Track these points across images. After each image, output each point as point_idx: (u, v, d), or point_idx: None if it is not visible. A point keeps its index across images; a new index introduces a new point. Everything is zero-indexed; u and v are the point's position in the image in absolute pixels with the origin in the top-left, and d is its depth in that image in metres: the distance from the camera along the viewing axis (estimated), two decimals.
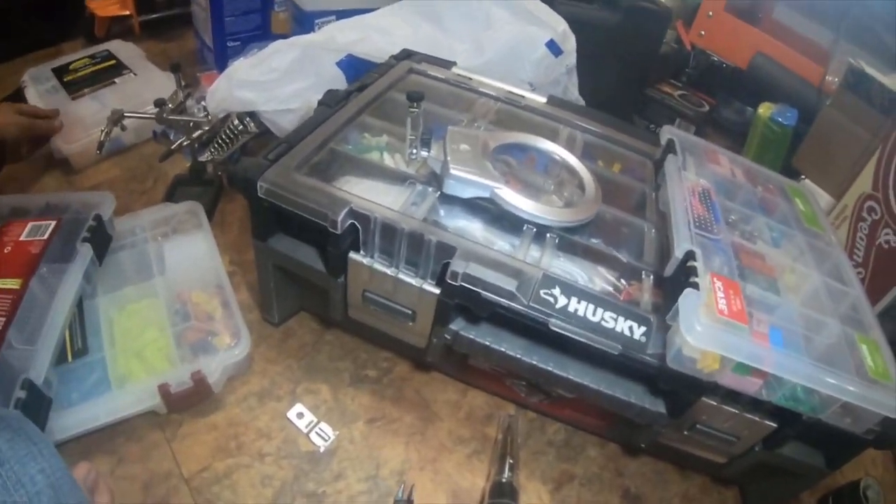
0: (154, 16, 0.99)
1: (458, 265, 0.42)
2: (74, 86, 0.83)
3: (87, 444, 0.49)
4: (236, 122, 0.66)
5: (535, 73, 0.71)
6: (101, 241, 0.57)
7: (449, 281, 0.43)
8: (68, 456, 0.41)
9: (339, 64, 0.72)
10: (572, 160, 0.53)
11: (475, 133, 0.51)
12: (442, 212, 0.48)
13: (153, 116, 0.65)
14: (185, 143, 0.65)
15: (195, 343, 0.53)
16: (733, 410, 0.45)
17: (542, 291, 0.42)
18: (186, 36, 0.99)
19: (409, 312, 0.47)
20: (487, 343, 0.46)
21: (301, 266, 0.50)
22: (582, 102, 0.78)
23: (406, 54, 0.67)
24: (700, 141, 0.62)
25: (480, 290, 0.42)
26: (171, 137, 0.70)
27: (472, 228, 0.48)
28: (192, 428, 0.51)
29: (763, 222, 0.55)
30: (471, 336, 0.46)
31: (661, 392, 0.47)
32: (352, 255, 0.46)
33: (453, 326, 0.46)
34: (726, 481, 0.57)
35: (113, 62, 0.89)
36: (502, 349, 0.45)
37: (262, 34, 0.89)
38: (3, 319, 0.47)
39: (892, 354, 0.47)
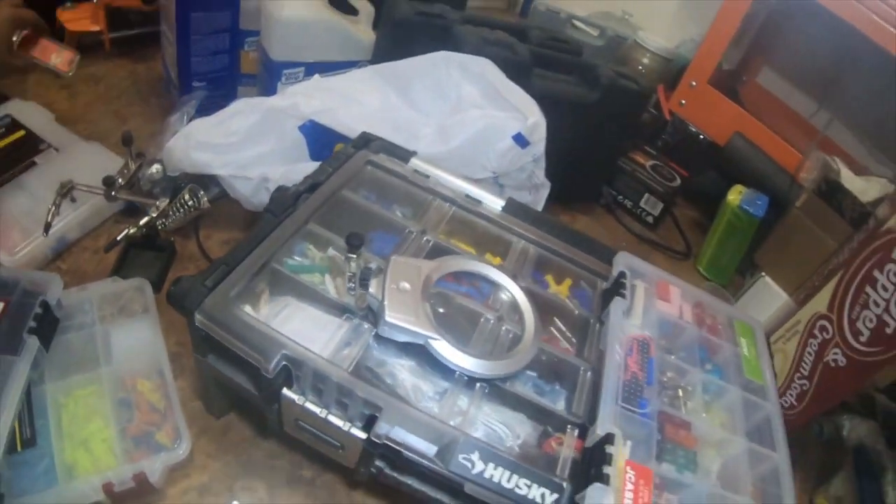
0: (127, 33, 0.95)
1: (382, 427, 0.43)
2: None
3: None
4: (187, 196, 0.65)
5: (500, 163, 0.71)
6: (49, 327, 0.56)
7: (373, 438, 0.44)
8: None
9: (301, 129, 0.71)
10: (518, 294, 0.54)
11: (417, 265, 0.52)
12: (375, 351, 0.49)
13: (103, 194, 0.64)
14: (131, 231, 0.64)
15: (138, 436, 0.54)
16: None
17: (461, 456, 0.43)
18: (158, 56, 0.96)
19: (338, 444, 0.48)
20: (410, 482, 0.47)
21: (239, 387, 0.50)
22: (546, 184, 0.78)
23: (364, 141, 0.66)
24: (654, 272, 0.63)
25: (403, 451, 0.44)
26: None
27: (404, 372, 0.49)
28: None
29: (699, 378, 0.55)
30: (395, 475, 0.47)
31: None
32: (285, 391, 0.47)
33: (379, 463, 0.48)
34: None
35: (22, 133, 0.78)
36: (424, 490, 0.47)
37: (230, 74, 0.87)
38: None
39: None
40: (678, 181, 1.04)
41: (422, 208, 0.62)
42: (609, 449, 0.43)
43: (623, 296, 0.56)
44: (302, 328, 0.49)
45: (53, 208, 0.64)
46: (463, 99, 0.72)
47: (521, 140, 0.70)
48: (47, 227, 0.64)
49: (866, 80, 1.10)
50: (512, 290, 0.54)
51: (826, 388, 0.78)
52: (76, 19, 0.90)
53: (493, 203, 0.64)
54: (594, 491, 0.41)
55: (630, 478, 0.42)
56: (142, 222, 0.65)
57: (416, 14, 0.80)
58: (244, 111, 0.70)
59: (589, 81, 0.84)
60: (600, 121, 0.86)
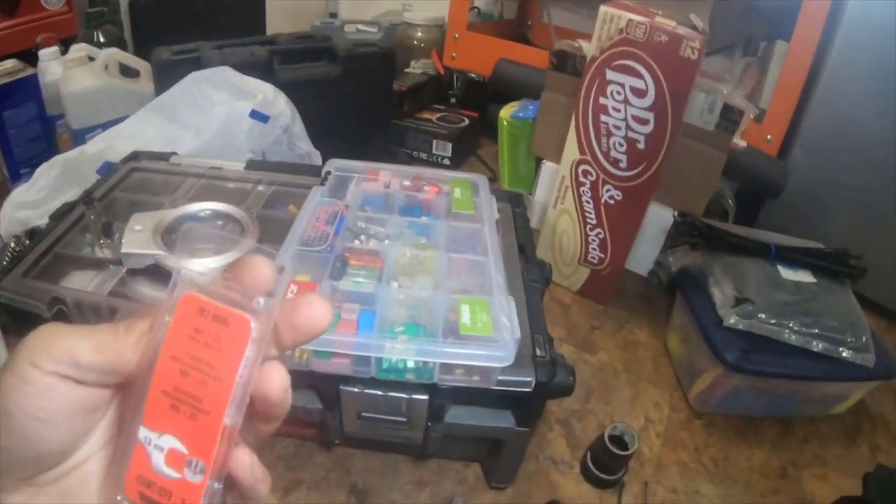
0: None
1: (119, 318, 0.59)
2: None
3: None
4: (12, 244, 0.82)
5: (251, 141, 0.88)
6: None
7: None
8: None
9: (99, 171, 0.89)
10: (237, 214, 0.70)
11: (153, 214, 0.68)
12: (129, 282, 0.65)
13: None
14: None
15: None
16: (376, 392, 0.56)
17: None
18: None
19: None
20: None
21: None
22: (315, 153, 0.95)
23: (133, 156, 0.84)
24: (363, 164, 0.77)
25: None
26: None
27: (147, 288, 0.64)
28: None
29: (401, 221, 0.69)
30: None
31: (315, 389, 0.59)
32: None
33: None
34: (450, 459, 0.68)
35: None
36: None
37: (50, 156, 1.04)
38: None
39: (529, 309, 0.60)
40: (466, 122, 1.21)
41: (175, 188, 0.79)
42: (278, 276, 0.58)
43: (323, 184, 0.72)
44: (79, 283, 0.65)
45: None
46: (215, 104, 0.90)
47: (258, 116, 0.87)
48: None
49: None
50: (233, 212, 0.71)
51: (618, 227, 0.88)
52: None
53: (235, 166, 0.81)
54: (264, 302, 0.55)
55: (293, 290, 0.57)
56: None
57: (174, 54, 0.99)
58: (46, 170, 0.88)
59: (333, 60, 1.03)
60: (354, 87, 1.04)
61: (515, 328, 0.56)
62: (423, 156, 1.20)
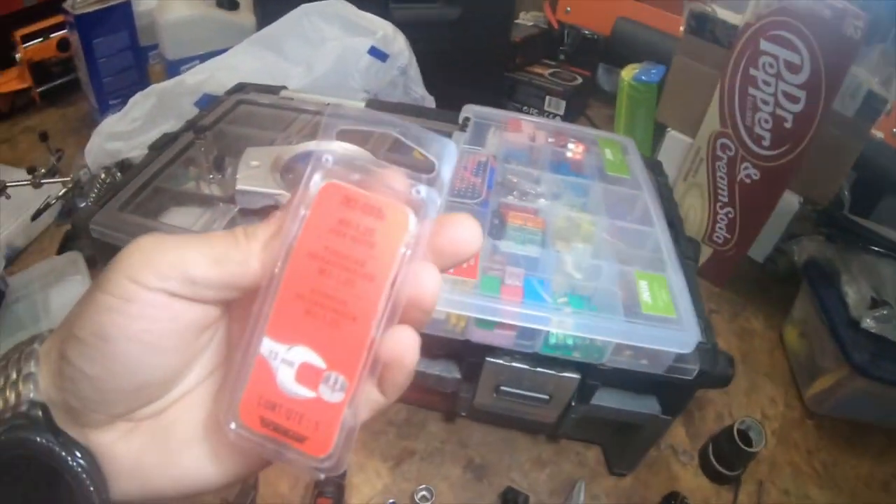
0: (51, 85, 1.07)
1: None
2: None
3: None
4: (104, 175, 0.74)
5: (366, 80, 0.78)
6: None
7: None
8: None
9: (197, 103, 0.80)
10: (365, 157, 0.60)
11: (269, 149, 0.59)
12: (241, 223, 0.55)
13: (30, 183, 0.74)
14: (52, 202, 0.74)
15: None
16: (523, 367, 0.49)
17: None
18: (83, 99, 1.07)
19: None
20: None
21: None
22: (430, 98, 0.85)
23: (239, 87, 0.75)
24: (502, 113, 0.68)
25: None
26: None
27: None
28: None
29: (555, 179, 0.60)
30: None
31: (456, 358, 0.52)
32: None
33: None
34: (573, 440, 0.62)
35: None
36: None
37: (141, 88, 0.97)
38: None
39: (689, 290, 0.50)
40: (580, 80, 1.10)
41: (287, 124, 0.69)
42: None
43: (464, 130, 0.61)
44: (182, 221, 0.56)
45: None
46: (326, 39, 0.80)
47: (377, 53, 0.77)
48: None
49: None
50: (366, 159, 0.61)
51: (750, 208, 0.81)
52: (5, 82, 1.02)
53: (354, 104, 0.71)
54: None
55: None
56: (61, 193, 0.74)
57: None
58: (140, 100, 0.80)
59: (451, 2, 0.92)
60: (471, 31, 0.92)
61: (691, 310, 0.48)
62: (534, 112, 1.09)
